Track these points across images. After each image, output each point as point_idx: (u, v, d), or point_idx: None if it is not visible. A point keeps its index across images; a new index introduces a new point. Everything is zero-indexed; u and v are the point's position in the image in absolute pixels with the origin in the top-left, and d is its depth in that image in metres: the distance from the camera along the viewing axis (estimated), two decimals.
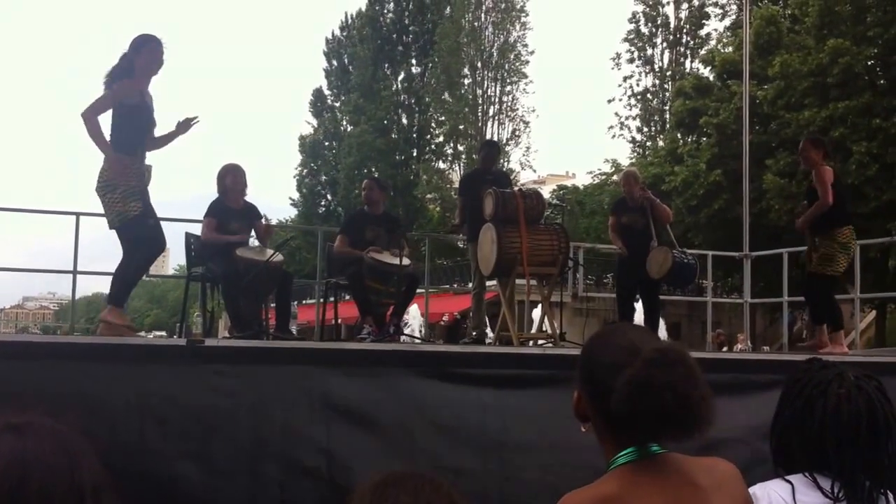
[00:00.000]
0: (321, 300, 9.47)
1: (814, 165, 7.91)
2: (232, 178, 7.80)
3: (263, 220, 8.25)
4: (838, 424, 2.31)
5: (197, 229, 8.13)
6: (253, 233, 7.91)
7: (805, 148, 8.10)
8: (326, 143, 46.80)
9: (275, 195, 68.76)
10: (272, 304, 8.02)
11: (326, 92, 48.01)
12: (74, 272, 9.62)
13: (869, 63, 25.39)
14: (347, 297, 8.99)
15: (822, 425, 2.32)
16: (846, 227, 7.90)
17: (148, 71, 6.26)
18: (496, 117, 41.40)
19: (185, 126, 6.55)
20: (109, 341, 5.26)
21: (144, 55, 6.22)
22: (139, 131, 6.24)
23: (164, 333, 63.36)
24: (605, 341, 2.10)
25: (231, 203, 7.77)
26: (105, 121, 6.08)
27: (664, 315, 13.67)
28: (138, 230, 6.10)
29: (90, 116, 6.02)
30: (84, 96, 6.20)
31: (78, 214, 9.33)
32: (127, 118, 6.13)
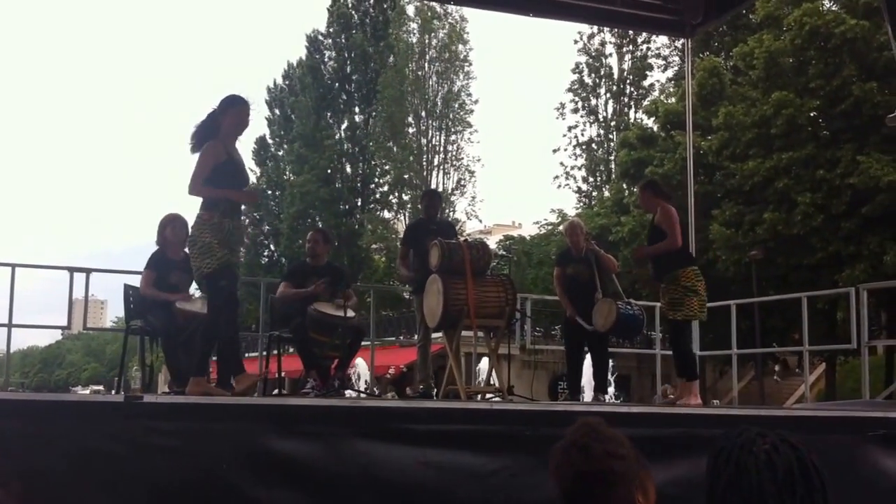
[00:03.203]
0: (264, 353, 9.29)
1: (655, 207, 7.99)
2: (171, 230, 7.65)
3: None
4: (774, 477, 2.28)
5: (136, 280, 7.95)
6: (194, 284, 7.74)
7: (643, 194, 8.27)
8: (269, 193, 46.60)
9: None
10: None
11: (269, 140, 47.92)
12: (10, 325, 9.34)
13: (812, 115, 25.95)
14: (292, 350, 8.82)
15: (760, 480, 2.28)
16: (690, 269, 7.90)
17: (234, 132, 6.28)
18: (441, 166, 41.61)
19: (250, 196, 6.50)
20: (44, 398, 5.08)
21: (231, 116, 6.23)
22: (237, 187, 6.24)
23: (101, 388, 62.07)
24: (565, 442, 2.32)
25: (171, 255, 7.61)
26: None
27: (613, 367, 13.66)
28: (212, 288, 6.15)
29: (200, 190, 6.02)
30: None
31: (14, 266, 9.08)
32: (215, 179, 6.07)
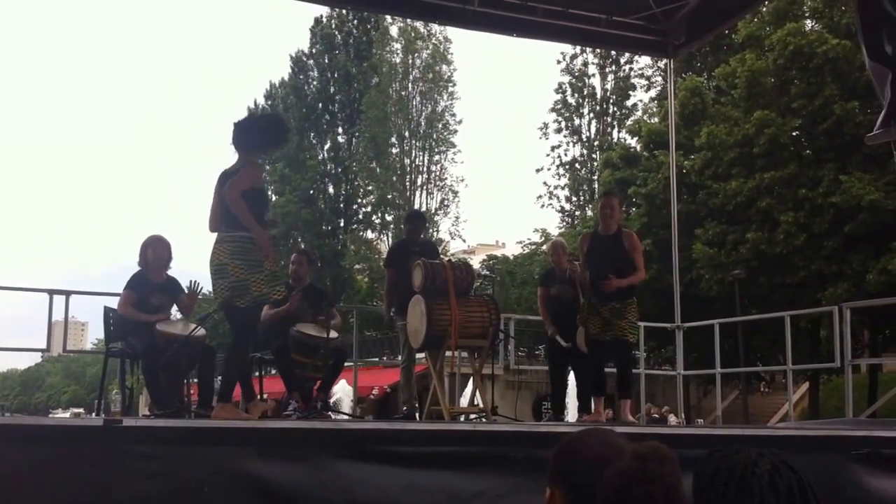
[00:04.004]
0: None
1: (614, 223, 8.01)
2: (153, 251, 7.58)
3: (190, 286, 7.92)
4: (777, 499, 2.24)
5: (116, 303, 7.88)
6: (175, 307, 7.68)
7: (613, 205, 8.20)
8: None
9: (199, 265, 67.98)
10: (194, 380, 7.77)
11: None
12: None
13: (794, 134, 26.10)
14: (273, 372, 8.77)
15: (763, 501, 2.24)
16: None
17: (274, 150, 6.38)
18: (425, 186, 41.66)
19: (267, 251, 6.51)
20: (22, 421, 5.01)
21: (281, 141, 6.52)
22: (259, 215, 6.24)
23: (81, 410, 61.60)
24: (585, 441, 2.23)
25: (152, 276, 7.55)
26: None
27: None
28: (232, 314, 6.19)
29: (237, 200, 6.03)
30: None
31: None
32: (250, 202, 6.10)
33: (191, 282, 7.65)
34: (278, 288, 6.08)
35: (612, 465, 2.00)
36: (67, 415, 53.44)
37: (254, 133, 6.35)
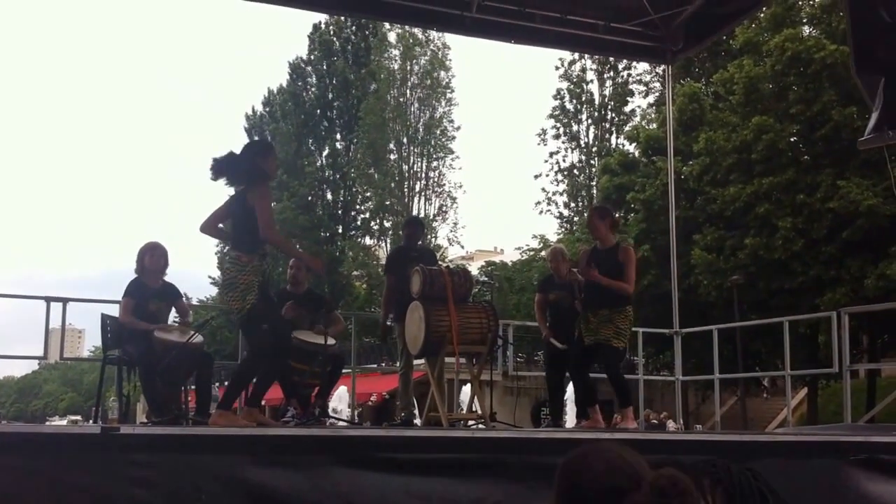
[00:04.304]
0: None
1: (603, 237, 7.93)
2: (150, 258, 7.60)
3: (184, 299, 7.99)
4: None
5: (113, 309, 7.88)
6: (174, 312, 7.70)
7: (592, 219, 8.22)
8: None
9: (195, 272, 67.92)
10: (192, 387, 7.76)
11: None
12: None
13: (792, 140, 26.13)
14: None
15: None
16: (630, 308, 7.93)
17: (273, 176, 6.67)
18: (423, 193, 41.64)
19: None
20: (19, 429, 5.00)
21: (271, 162, 6.51)
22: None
23: (79, 418, 61.50)
24: (588, 463, 2.02)
25: (149, 282, 7.56)
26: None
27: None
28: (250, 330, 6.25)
29: (276, 235, 6.39)
30: None
31: None
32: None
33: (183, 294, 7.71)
34: (249, 297, 6.04)
35: (624, 494, 1.85)
36: (65, 422, 53.43)
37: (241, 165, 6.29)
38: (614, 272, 7.73)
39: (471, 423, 8.35)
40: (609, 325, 7.73)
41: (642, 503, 1.82)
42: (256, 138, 47.10)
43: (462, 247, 43.59)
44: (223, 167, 6.14)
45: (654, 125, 31.66)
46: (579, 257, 8.44)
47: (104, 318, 7.84)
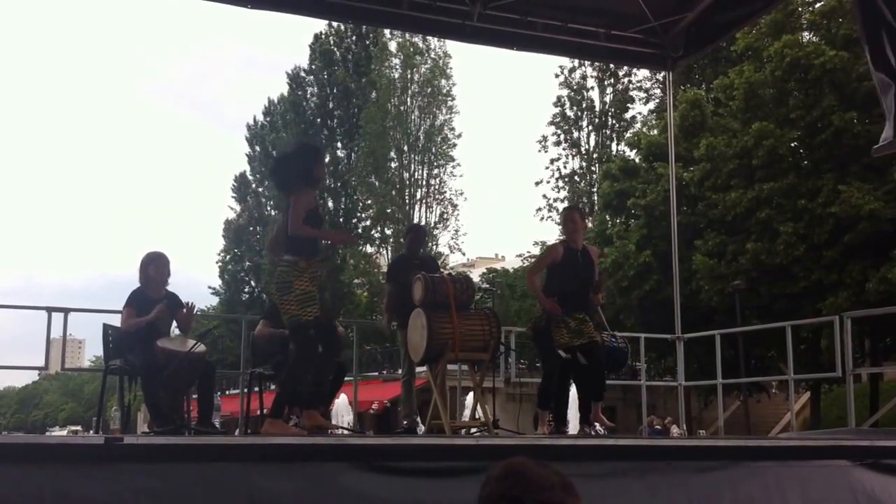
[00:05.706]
0: (245, 391, 9.21)
1: (580, 238, 8.18)
2: (155, 268, 7.60)
3: (186, 306, 7.94)
4: None
5: (113, 319, 7.88)
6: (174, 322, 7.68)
7: (576, 219, 8.30)
8: (250, 229, 46.49)
9: (196, 281, 68.00)
10: (194, 396, 7.75)
11: (249, 177, 47.92)
12: None
13: (792, 145, 26.11)
14: (273, 387, 8.74)
15: None
16: None
17: (322, 181, 6.74)
18: (424, 200, 41.65)
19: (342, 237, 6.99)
20: (21, 440, 4.98)
21: (319, 167, 6.55)
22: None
23: (79, 428, 61.48)
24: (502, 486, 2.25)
25: (152, 293, 7.55)
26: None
27: None
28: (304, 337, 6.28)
29: (301, 228, 6.16)
30: None
31: None
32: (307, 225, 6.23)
33: (186, 303, 7.69)
34: (309, 309, 6.09)
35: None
36: (65, 432, 53.32)
37: (284, 172, 6.45)
38: (591, 274, 8.08)
39: (474, 430, 8.33)
40: (589, 323, 7.92)
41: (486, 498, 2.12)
42: (258, 148, 47.23)
43: (463, 254, 43.66)
44: (271, 173, 6.36)
45: (655, 131, 31.65)
46: (549, 249, 8.61)
47: (106, 327, 7.84)
